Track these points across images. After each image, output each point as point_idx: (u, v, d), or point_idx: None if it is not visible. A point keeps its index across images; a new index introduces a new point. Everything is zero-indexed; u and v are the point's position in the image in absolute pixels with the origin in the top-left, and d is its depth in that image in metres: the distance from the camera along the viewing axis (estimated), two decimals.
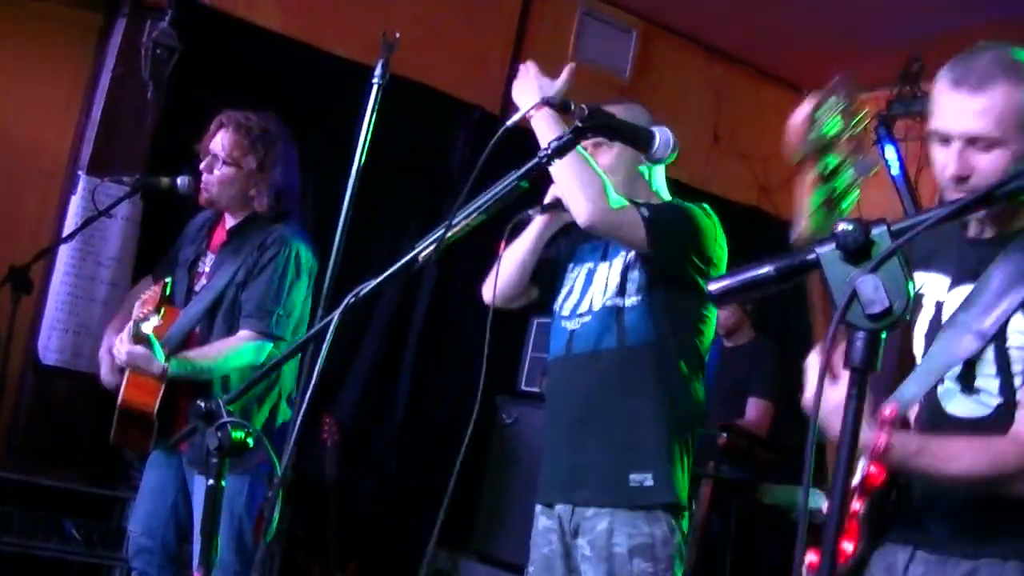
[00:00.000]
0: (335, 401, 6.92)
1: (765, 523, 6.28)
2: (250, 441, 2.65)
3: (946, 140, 2.61)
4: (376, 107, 3.29)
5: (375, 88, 3.25)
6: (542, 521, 4.04)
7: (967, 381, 2.59)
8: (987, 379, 2.57)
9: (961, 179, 2.57)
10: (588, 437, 3.87)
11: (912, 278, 1.63)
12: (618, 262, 3.96)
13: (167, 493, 4.77)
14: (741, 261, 1.86)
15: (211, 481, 2.68)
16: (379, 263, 2.52)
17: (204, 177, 4.69)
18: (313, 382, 2.61)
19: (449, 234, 2.41)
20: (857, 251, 1.65)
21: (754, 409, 6.82)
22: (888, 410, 2.43)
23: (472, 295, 7.34)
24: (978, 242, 2.70)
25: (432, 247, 2.44)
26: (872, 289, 1.61)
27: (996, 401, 2.57)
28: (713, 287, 1.81)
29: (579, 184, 3.61)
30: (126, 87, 6.46)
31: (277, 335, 4.57)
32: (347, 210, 3.29)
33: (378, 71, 3.29)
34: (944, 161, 2.61)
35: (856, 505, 2.52)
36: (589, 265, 4.10)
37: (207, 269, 4.79)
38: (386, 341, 7.19)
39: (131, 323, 4.40)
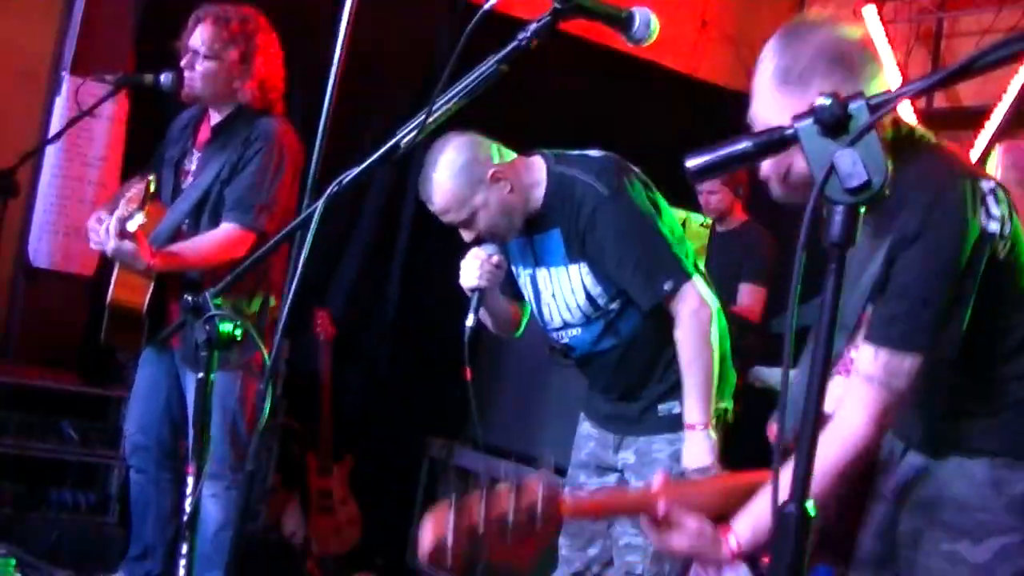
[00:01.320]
0: (327, 295, 6.93)
1: (758, 407, 6.30)
2: (238, 333, 2.66)
3: None
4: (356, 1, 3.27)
5: None
6: (585, 427, 4.25)
7: None
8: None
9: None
10: (619, 386, 4.09)
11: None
12: (565, 278, 4.01)
13: (160, 391, 4.80)
14: None
15: (200, 374, 2.70)
16: (366, 152, 2.50)
17: (186, 74, 4.66)
18: (299, 272, 2.61)
19: (430, 120, 2.40)
20: (835, 125, 1.64)
21: (747, 295, 6.83)
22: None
23: None
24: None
25: (414, 133, 2.43)
26: (850, 163, 1.60)
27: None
28: (690, 163, 1.80)
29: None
30: None
31: (260, 228, 4.56)
32: (330, 101, 3.28)
33: None
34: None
35: None
36: (528, 271, 4.16)
37: (193, 167, 4.78)
38: (376, 234, 7.17)
39: (115, 219, 4.39)
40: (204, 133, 4.83)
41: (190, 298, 2.70)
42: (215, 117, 4.79)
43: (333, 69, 3.25)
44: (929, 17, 8.15)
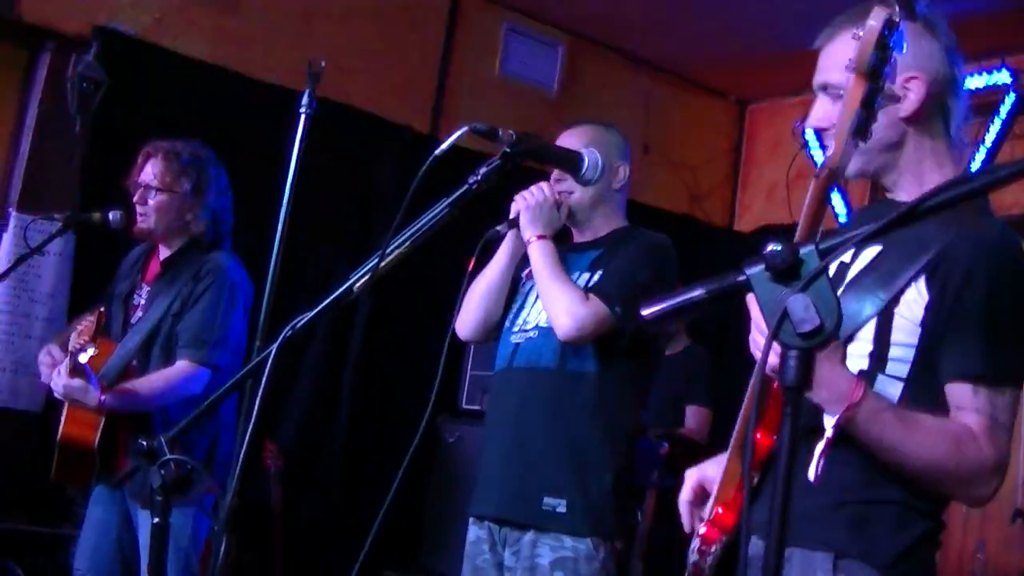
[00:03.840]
0: (276, 427, 6.90)
1: None
2: (194, 477, 2.65)
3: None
4: (305, 135, 3.31)
5: (302, 117, 3.27)
6: (474, 531, 4.05)
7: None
8: (859, 343, 2.53)
9: (821, 130, 2.66)
10: (517, 455, 3.90)
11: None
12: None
13: (111, 528, 4.74)
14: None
15: (156, 519, 2.67)
16: (314, 285, 2.53)
17: (139, 209, 4.67)
18: (255, 415, 2.62)
19: (382, 264, 2.43)
20: (786, 271, 1.65)
21: (693, 417, 6.88)
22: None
23: (409, 316, 7.35)
24: (893, 202, 2.66)
25: (366, 278, 2.45)
26: (802, 308, 1.61)
27: (860, 366, 2.51)
28: (646, 312, 1.81)
29: (551, 300, 3.83)
30: (53, 122, 6.43)
31: (214, 363, 4.55)
32: (281, 235, 3.31)
33: (304, 100, 3.31)
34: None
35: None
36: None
37: (142, 301, 4.77)
38: (325, 365, 7.18)
39: (67, 356, 4.38)
40: (153, 268, 4.83)
41: (143, 442, 2.67)
42: (164, 252, 4.79)
43: (283, 207, 3.29)
44: None
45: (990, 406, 2.44)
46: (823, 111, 2.66)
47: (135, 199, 4.68)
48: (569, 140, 4.00)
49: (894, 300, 2.49)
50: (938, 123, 2.64)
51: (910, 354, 2.50)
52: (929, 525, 2.52)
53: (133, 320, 4.75)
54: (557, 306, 3.81)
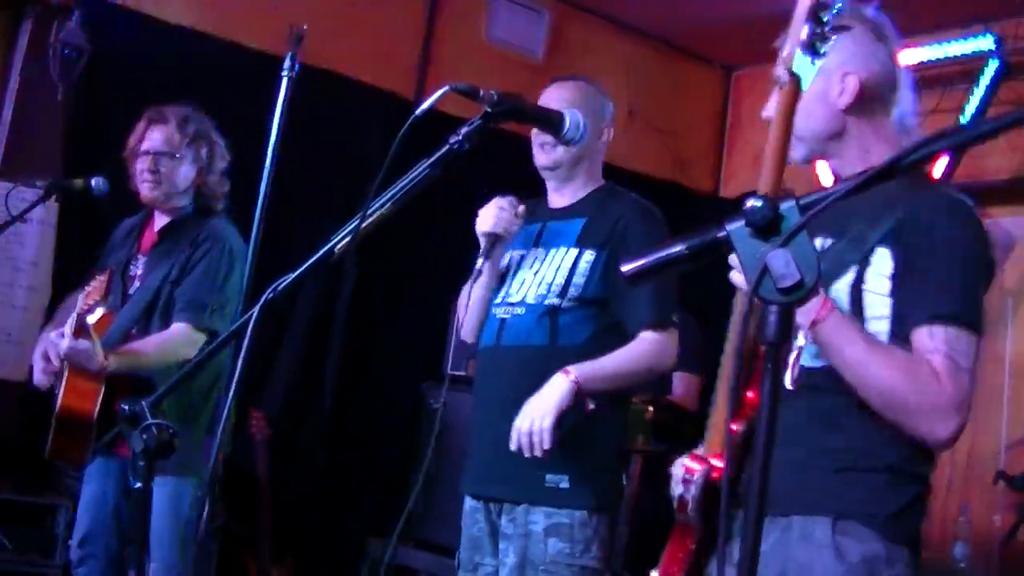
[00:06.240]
0: (262, 395, 6.90)
1: None
2: (175, 443, 2.64)
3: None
4: (287, 100, 3.30)
5: (284, 81, 3.26)
6: (468, 502, 4.09)
7: None
8: None
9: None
10: (509, 434, 3.85)
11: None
12: (560, 258, 3.98)
13: (108, 502, 4.72)
14: None
15: (139, 484, 2.66)
16: (301, 252, 2.51)
17: (147, 176, 4.66)
18: (237, 378, 2.61)
19: (364, 224, 2.42)
20: (766, 226, 1.66)
21: (681, 383, 6.86)
22: None
23: (393, 283, 7.35)
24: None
25: (348, 239, 2.44)
26: (783, 263, 1.62)
27: None
28: (626, 268, 1.82)
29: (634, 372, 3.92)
30: (36, 89, 6.39)
31: (210, 328, 4.55)
32: (263, 203, 3.30)
33: (287, 64, 3.30)
34: None
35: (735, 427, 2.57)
36: (521, 251, 4.13)
37: (140, 271, 4.76)
38: (310, 332, 7.17)
39: (74, 315, 4.36)
40: (149, 238, 4.83)
41: (126, 407, 2.67)
42: (161, 220, 4.79)
43: (266, 170, 3.28)
44: None
45: (949, 347, 2.56)
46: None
47: (144, 166, 4.66)
48: (556, 93, 4.04)
49: (859, 277, 2.66)
50: (880, 113, 2.86)
51: (885, 326, 2.65)
52: (918, 488, 2.72)
53: (131, 291, 4.74)
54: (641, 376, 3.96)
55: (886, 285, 2.64)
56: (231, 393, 2.65)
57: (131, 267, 4.80)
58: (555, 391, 3.73)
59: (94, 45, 6.32)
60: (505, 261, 4.13)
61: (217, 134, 4.81)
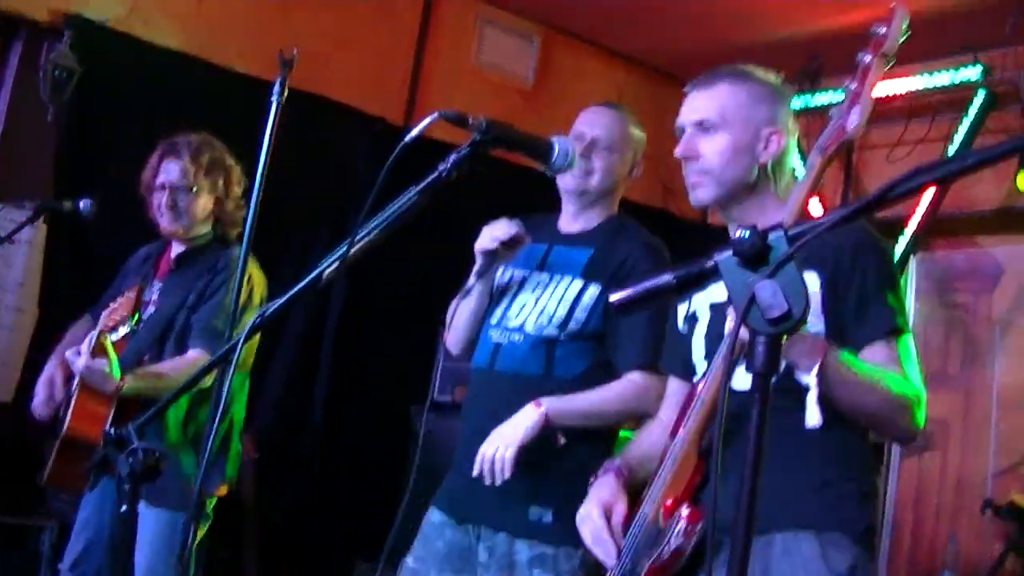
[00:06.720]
0: (250, 418, 6.87)
1: None
2: (161, 466, 2.63)
3: (682, 131, 3.17)
4: (276, 125, 3.31)
5: (273, 106, 3.27)
6: (437, 515, 4.00)
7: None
8: None
9: (688, 159, 3.10)
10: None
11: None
12: (564, 288, 3.93)
13: (103, 527, 4.68)
14: None
15: (124, 508, 2.65)
16: (289, 277, 2.52)
17: (164, 211, 4.64)
18: (223, 402, 2.61)
19: (352, 251, 2.42)
20: (754, 257, 1.67)
21: None
22: None
23: (383, 305, 7.33)
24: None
25: (335, 265, 2.44)
26: (770, 294, 1.62)
27: None
28: (614, 299, 1.83)
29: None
30: (25, 111, 6.38)
31: None
32: (251, 226, 3.30)
33: (276, 89, 3.30)
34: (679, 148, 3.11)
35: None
36: (524, 272, 4.06)
37: (155, 296, 4.73)
38: (299, 355, 7.16)
39: (95, 332, 4.33)
40: (165, 264, 4.81)
41: (112, 430, 2.66)
42: (178, 248, 4.77)
43: (254, 194, 3.28)
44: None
45: (898, 354, 2.81)
46: (691, 145, 3.12)
47: (162, 200, 4.65)
48: (595, 118, 4.17)
49: None
50: (781, 172, 3.09)
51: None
52: (873, 505, 2.94)
53: (145, 316, 4.71)
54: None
55: (817, 303, 2.80)
56: (217, 415, 2.65)
57: (146, 292, 4.78)
58: (523, 422, 3.71)
59: (84, 67, 6.32)
60: (506, 278, 4.08)
61: (231, 158, 4.78)
